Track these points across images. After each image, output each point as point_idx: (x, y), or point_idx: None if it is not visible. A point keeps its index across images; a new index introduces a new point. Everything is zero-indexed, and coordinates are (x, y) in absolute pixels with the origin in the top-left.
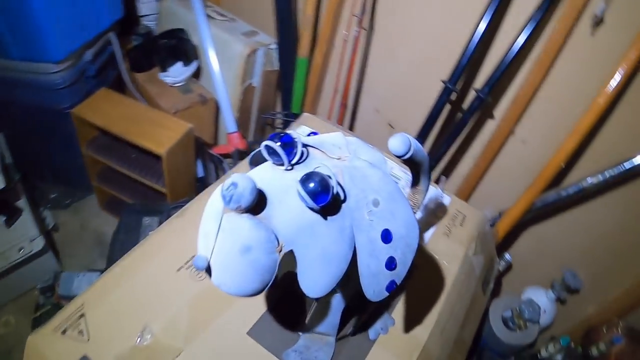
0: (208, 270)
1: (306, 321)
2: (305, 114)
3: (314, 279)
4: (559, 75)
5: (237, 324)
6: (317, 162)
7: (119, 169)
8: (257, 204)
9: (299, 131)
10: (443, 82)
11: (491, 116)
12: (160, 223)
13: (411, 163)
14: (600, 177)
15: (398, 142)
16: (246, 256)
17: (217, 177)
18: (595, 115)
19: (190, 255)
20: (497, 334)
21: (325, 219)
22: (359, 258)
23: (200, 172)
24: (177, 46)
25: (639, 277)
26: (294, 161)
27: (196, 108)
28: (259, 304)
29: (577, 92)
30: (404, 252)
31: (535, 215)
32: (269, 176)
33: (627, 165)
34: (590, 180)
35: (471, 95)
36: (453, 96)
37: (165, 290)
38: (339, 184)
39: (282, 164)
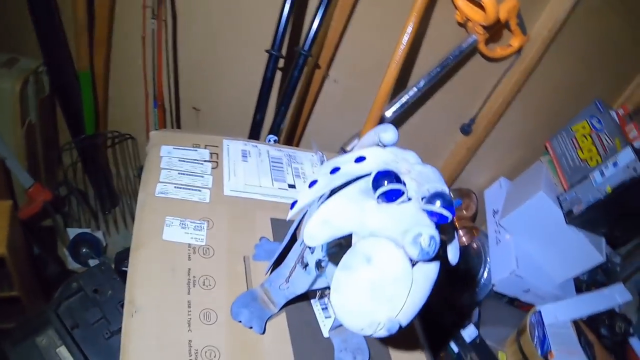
0: None
1: None
2: (154, 133)
3: None
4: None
5: None
6: (409, 184)
7: None
8: None
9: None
10: (267, 51)
11: (318, 67)
12: (61, 334)
13: None
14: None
15: (392, 134)
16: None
17: (48, 245)
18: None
19: (180, 338)
20: None
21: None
22: None
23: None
24: None
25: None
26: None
27: None
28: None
29: (375, 29)
30: None
31: None
32: (409, 214)
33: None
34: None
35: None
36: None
37: None
38: None
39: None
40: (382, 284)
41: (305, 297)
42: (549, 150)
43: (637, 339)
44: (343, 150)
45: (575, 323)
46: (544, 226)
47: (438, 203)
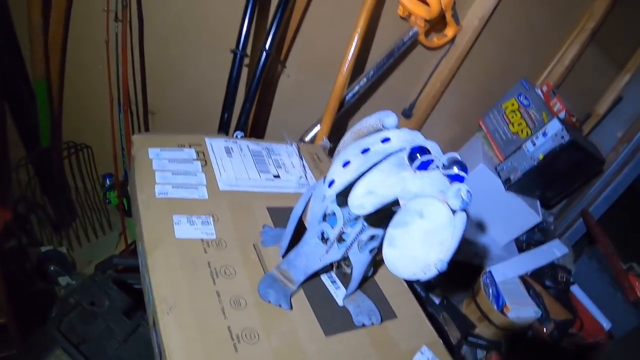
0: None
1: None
2: (137, 137)
3: None
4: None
5: (309, 336)
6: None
7: None
8: None
9: (169, 154)
10: (232, 50)
11: (281, 63)
12: (70, 352)
13: None
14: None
15: (394, 119)
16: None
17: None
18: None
19: (219, 326)
20: None
21: None
22: None
23: None
24: None
25: None
26: None
27: None
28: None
29: (326, 26)
30: None
31: None
32: (438, 177)
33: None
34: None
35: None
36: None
37: None
38: None
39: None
40: (434, 231)
41: (315, 274)
42: (482, 127)
43: (577, 286)
44: (302, 141)
45: (523, 278)
46: (485, 195)
47: (456, 168)
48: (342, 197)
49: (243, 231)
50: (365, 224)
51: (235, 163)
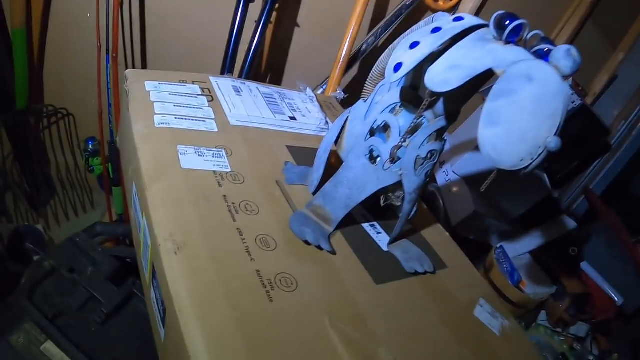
0: None
1: None
2: (131, 71)
3: None
4: None
5: (357, 283)
6: None
7: None
8: None
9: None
10: None
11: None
12: (43, 326)
13: None
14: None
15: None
16: None
17: None
18: None
19: (245, 270)
20: None
21: None
22: None
23: None
24: None
25: None
26: None
27: None
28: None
29: None
30: None
31: None
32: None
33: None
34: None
35: None
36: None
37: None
38: None
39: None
40: (545, 99)
41: (352, 218)
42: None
43: (585, 262)
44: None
45: (534, 253)
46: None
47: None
48: (398, 104)
49: (262, 167)
50: (425, 135)
51: (246, 102)
